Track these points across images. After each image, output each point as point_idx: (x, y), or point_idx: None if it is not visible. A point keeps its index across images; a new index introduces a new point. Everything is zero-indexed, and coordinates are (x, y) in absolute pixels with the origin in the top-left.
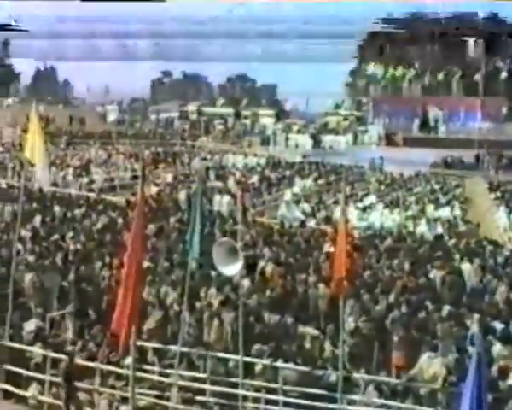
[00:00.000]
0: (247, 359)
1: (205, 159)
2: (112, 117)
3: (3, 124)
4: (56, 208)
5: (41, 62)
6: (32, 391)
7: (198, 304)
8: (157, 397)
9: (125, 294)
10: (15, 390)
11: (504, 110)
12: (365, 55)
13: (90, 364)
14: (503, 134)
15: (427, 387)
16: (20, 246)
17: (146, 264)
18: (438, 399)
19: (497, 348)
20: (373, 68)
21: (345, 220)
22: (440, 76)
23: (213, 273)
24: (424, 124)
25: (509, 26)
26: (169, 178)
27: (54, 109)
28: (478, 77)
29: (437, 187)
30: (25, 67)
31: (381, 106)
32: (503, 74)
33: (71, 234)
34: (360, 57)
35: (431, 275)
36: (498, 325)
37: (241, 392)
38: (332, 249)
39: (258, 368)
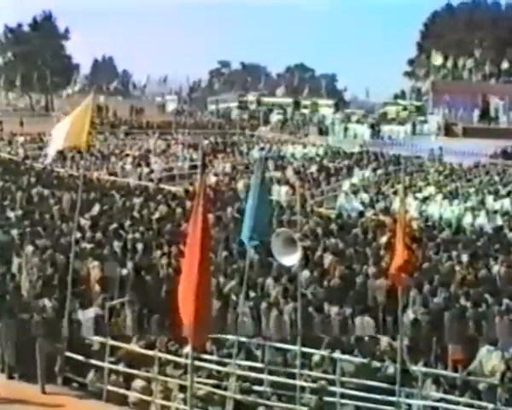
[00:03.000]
0: (305, 349)
1: (263, 149)
2: (171, 107)
3: (62, 114)
4: (115, 198)
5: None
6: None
7: (255, 294)
8: (215, 386)
9: (194, 285)
10: (75, 377)
11: None
12: (425, 43)
13: (149, 352)
14: None
15: (485, 381)
16: (78, 235)
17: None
18: (497, 394)
19: None
20: (433, 57)
21: (404, 211)
22: (502, 65)
23: (273, 263)
24: (484, 114)
25: None
26: (227, 167)
27: (113, 100)
28: None
29: (497, 178)
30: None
31: (441, 96)
32: None
33: (129, 223)
34: (420, 46)
35: (491, 268)
36: None
37: (298, 383)
38: (390, 240)
39: (316, 359)
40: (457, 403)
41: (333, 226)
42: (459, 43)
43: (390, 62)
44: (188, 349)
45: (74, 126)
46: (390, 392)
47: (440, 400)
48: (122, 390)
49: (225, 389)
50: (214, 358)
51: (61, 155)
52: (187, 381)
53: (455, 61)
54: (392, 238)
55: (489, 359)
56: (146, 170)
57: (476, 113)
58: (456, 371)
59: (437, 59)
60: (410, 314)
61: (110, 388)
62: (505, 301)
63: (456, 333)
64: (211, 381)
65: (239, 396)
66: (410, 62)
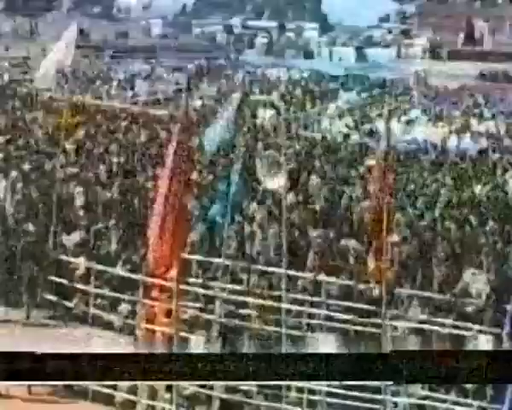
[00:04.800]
0: (291, 272)
1: (248, 72)
2: (156, 31)
3: (48, 38)
4: (100, 122)
5: None
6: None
7: (241, 218)
8: (200, 310)
9: (170, 207)
10: (61, 301)
11: None
12: None
13: (134, 276)
14: None
15: (470, 303)
16: (63, 159)
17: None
18: (483, 315)
19: None
20: None
21: (387, 134)
22: None
23: (257, 187)
24: (469, 37)
25: None
26: (213, 91)
27: (98, 23)
28: None
29: (481, 101)
30: None
31: (426, 19)
32: None
33: (114, 147)
34: None
35: (475, 190)
36: None
37: (284, 306)
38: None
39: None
40: (442, 325)
41: (318, 149)
42: None
43: None
44: (173, 273)
45: (60, 51)
46: (375, 314)
47: (425, 322)
48: (108, 390)
49: (211, 312)
50: (199, 281)
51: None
52: (172, 305)
53: None
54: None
55: (474, 281)
56: (131, 93)
57: (461, 36)
58: (442, 293)
59: None
60: (394, 237)
61: (95, 311)
62: (490, 223)
63: (442, 255)
64: (196, 304)
65: (224, 320)
66: None
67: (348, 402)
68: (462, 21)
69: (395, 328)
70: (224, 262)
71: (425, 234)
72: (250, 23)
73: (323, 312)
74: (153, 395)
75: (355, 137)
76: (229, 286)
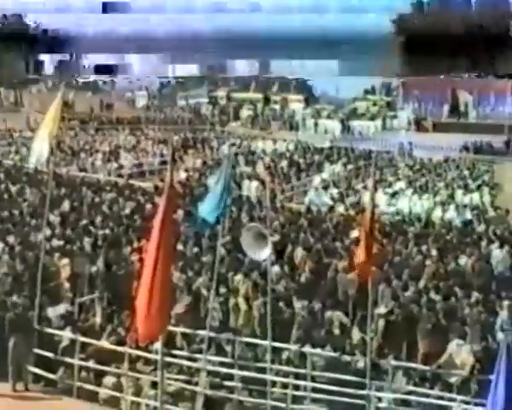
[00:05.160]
0: (276, 344)
1: (234, 144)
2: (141, 103)
3: (32, 110)
4: (85, 194)
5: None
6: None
7: (226, 289)
8: (185, 382)
9: (155, 280)
10: (44, 374)
11: None
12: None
13: (119, 348)
14: None
15: (454, 374)
16: (48, 231)
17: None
18: (467, 386)
19: None
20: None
21: (372, 205)
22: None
23: (243, 258)
24: (454, 109)
25: None
26: (198, 163)
27: (83, 95)
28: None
29: (466, 172)
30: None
31: (411, 91)
32: None
33: (99, 219)
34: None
35: (460, 261)
36: None
37: (269, 377)
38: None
39: (286, 354)
40: (427, 396)
41: (303, 221)
42: (429, 39)
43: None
44: (158, 345)
45: (47, 127)
46: (361, 385)
47: (411, 392)
48: (92, 387)
49: (196, 384)
50: (185, 353)
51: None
52: (157, 377)
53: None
54: (361, 233)
55: (459, 352)
56: (116, 165)
57: (446, 108)
58: (426, 364)
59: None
60: (380, 308)
61: (80, 384)
62: (474, 294)
63: (427, 326)
64: (181, 377)
65: (209, 392)
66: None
67: (333, 398)
68: (447, 94)
69: (380, 399)
70: (209, 334)
71: (410, 305)
72: (235, 95)
73: (309, 383)
74: (137, 391)
75: (340, 209)
76: (214, 358)
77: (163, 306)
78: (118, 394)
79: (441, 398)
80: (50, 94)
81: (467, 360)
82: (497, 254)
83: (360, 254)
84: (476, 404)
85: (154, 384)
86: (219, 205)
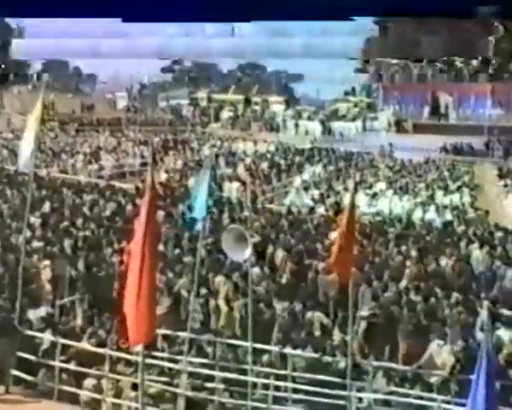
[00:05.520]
0: (257, 345)
1: (214, 146)
2: (121, 104)
3: (13, 111)
4: (66, 195)
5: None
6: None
7: (207, 291)
8: (166, 384)
9: (142, 282)
10: (25, 376)
11: None
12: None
13: (100, 350)
14: None
15: (435, 374)
16: (29, 233)
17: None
18: (447, 386)
19: (506, 334)
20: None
21: (353, 206)
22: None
23: (224, 259)
24: (434, 110)
25: None
26: (179, 164)
27: (64, 97)
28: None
29: (446, 174)
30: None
31: (391, 92)
32: None
33: (80, 221)
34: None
35: (440, 262)
36: (507, 312)
37: (250, 378)
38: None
39: (266, 356)
40: (408, 396)
41: (284, 222)
42: (409, 40)
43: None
44: (138, 347)
45: (33, 129)
46: (341, 386)
47: (391, 393)
48: (73, 389)
49: (177, 386)
50: (165, 355)
51: (12, 152)
52: (138, 379)
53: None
54: (341, 234)
55: (439, 353)
56: (96, 167)
57: (426, 109)
58: (407, 365)
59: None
60: (363, 311)
61: (61, 387)
62: (454, 294)
63: (407, 327)
64: (162, 378)
65: (190, 393)
66: (361, 59)
67: (314, 398)
68: (428, 95)
69: (360, 400)
70: (190, 335)
71: (390, 306)
72: (216, 96)
73: (289, 384)
74: (118, 393)
75: (321, 210)
76: (195, 360)
77: (151, 307)
78: (98, 396)
79: (421, 398)
80: (31, 95)
81: (447, 361)
82: (477, 254)
83: (338, 255)
84: (456, 404)
85: (134, 386)
86: (204, 205)
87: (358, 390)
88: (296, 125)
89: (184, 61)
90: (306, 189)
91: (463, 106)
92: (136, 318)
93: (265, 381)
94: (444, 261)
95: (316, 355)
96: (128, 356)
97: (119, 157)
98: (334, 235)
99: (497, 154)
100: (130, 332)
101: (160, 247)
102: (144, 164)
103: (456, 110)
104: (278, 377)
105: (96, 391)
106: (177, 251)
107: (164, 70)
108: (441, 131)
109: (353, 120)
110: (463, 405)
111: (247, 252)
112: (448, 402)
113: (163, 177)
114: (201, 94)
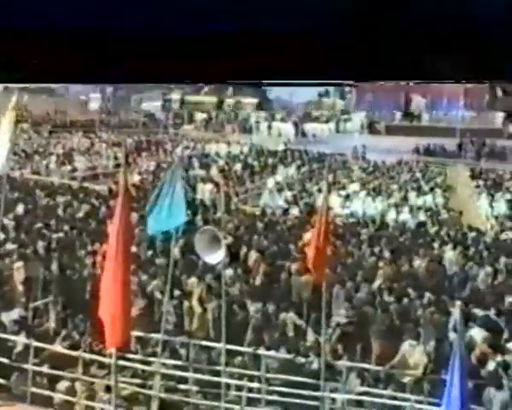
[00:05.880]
0: (230, 347)
1: (188, 147)
2: (95, 106)
3: None
4: (39, 197)
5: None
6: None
7: (180, 292)
8: (139, 386)
9: (114, 283)
10: None
11: (487, 98)
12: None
13: (73, 352)
14: (485, 122)
15: (408, 375)
16: (2, 235)
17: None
18: (420, 386)
19: (478, 334)
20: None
21: (326, 208)
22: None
23: (197, 261)
24: (407, 112)
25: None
26: (152, 166)
27: (37, 98)
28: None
29: (419, 175)
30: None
31: (364, 94)
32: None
33: (53, 222)
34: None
35: (414, 263)
36: (479, 312)
37: (223, 380)
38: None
39: (240, 357)
40: (381, 396)
41: (257, 224)
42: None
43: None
44: (112, 349)
45: (8, 132)
46: (315, 387)
47: (364, 393)
48: (46, 392)
49: (150, 388)
50: (139, 357)
51: None
52: (111, 381)
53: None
54: (314, 235)
55: (412, 353)
56: (69, 168)
57: (399, 111)
58: (380, 365)
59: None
60: (339, 318)
61: (34, 390)
62: (427, 295)
63: (380, 327)
64: (135, 380)
65: (164, 395)
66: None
67: (287, 399)
68: (400, 97)
69: (334, 400)
70: (163, 337)
71: (363, 307)
72: (189, 98)
73: (263, 386)
74: (91, 396)
75: (294, 211)
76: (169, 361)
77: (126, 310)
78: (72, 398)
79: (395, 398)
80: (4, 97)
81: (420, 361)
82: (451, 255)
83: (312, 256)
84: (429, 404)
85: (107, 388)
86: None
87: (332, 391)
88: (269, 127)
89: None
90: (280, 190)
91: (436, 108)
92: (111, 321)
93: (239, 382)
94: (417, 262)
95: (289, 356)
96: (101, 358)
97: (93, 159)
98: (307, 236)
99: (470, 155)
100: (106, 336)
101: (134, 248)
102: (117, 165)
103: (428, 112)
104: (251, 379)
105: (69, 394)
106: (150, 253)
107: None
108: (414, 133)
109: (326, 121)
110: (436, 404)
111: (221, 253)
112: (421, 402)
113: (136, 178)
114: (175, 96)
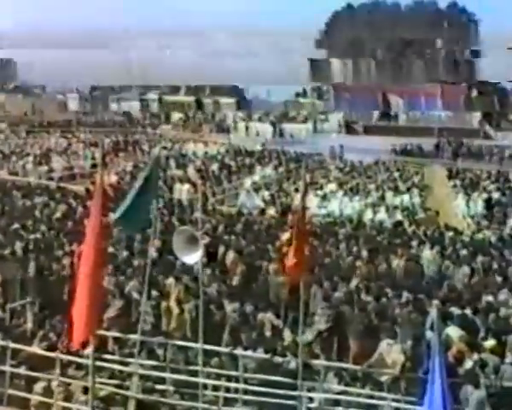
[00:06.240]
0: (207, 347)
1: (165, 147)
2: (72, 105)
3: None
4: (16, 197)
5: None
6: None
7: (158, 293)
8: (117, 386)
9: (88, 283)
10: None
11: (464, 99)
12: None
13: (50, 354)
14: (462, 122)
15: (385, 373)
16: None
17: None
18: (397, 385)
19: (455, 332)
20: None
21: (303, 208)
22: (401, 64)
23: (175, 261)
24: (385, 112)
25: (468, 14)
26: (129, 166)
27: (14, 98)
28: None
29: (396, 175)
30: None
31: (342, 94)
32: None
33: (31, 223)
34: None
35: (391, 262)
36: (456, 311)
37: (201, 380)
38: (291, 237)
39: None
40: (359, 395)
41: (234, 224)
42: (360, 43)
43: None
44: (89, 350)
45: None
46: (292, 386)
47: (342, 392)
48: (23, 394)
49: (127, 388)
50: (116, 358)
51: None
52: (88, 382)
53: (356, 61)
54: (292, 235)
55: (389, 352)
56: (46, 169)
57: (376, 111)
58: (357, 364)
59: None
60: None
61: (11, 391)
62: (405, 294)
63: (358, 327)
64: (113, 381)
65: (141, 396)
66: (312, 61)
67: (265, 399)
68: (378, 97)
69: (311, 399)
70: (141, 338)
71: (341, 306)
72: (166, 98)
73: (240, 385)
74: (69, 397)
75: (271, 211)
76: (146, 362)
77: (93, 309)
78: (48, 400)
79: (372, 397)
80: None
81: (397, 359)
82: (428, 254)
83: (291, 257)
84: (406, 402)
85: (85, 389)
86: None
87: (309, 390)
88: (247, 127)
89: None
90: (257, 190)
91: (413, 108)
92: (78, 318)
93: (216, 382)
94: (394, 261)
95: (266, 356)
96: (79, 360)
97: (70, 159)
98: (285, 236)
99: (447, 155)
100: (73, 333)
101: (111, 249)
102: (95, 166)
103: (406, 112)
104: (229, 379)
105: (46, 395)
106: (128, 253)
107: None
108: (391, 133)
109: (304, 121)
110: (413, 403)
111: (198, 254)
112: (398, 401)
113: (113, 178)
114: (152, 95)
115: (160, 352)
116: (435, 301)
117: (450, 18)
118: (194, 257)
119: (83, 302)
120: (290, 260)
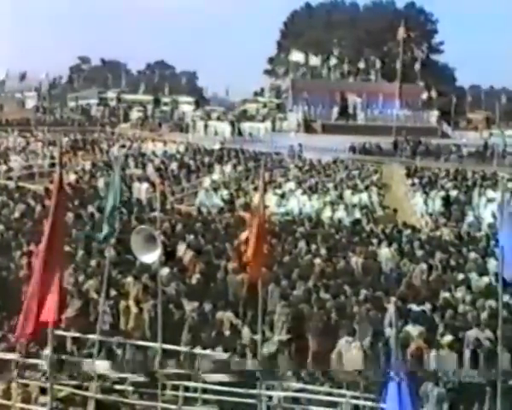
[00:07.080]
0: (166, 346)
1: (124, 146)
2: (30, 104)
3: None
4: None
5: None
6: None
7: (116, 292)
8: (76, 387)
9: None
10: None
11: (422, 98)
12: (284, 42)
13: (8, 356)
14: (420, 121)
15: (344, 372)
16: None
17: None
18: (356, 382)
19: (414, 329)
20: (292, 55)
21: (262, 206)
22: (360, 63)
23: (133, 260)
24: (343, 111)
25: (426, 14)
26: (88, 165)
27: None
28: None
29: (355, 173)
30: None
31: (300, 93)
32: (420, 62)
33: None
34: (279, 44)
35: (349, 260)
36: (415, 308)
37: (160, 380)
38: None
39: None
40: (318, 393)
41: (193, 223)
42: (318, 42)
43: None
44: (47, 351)
45: None
46: (251, 385)
47: (301, 390)
48: None
49: (86, 389)
50: (75, 358)
51: None
52: (47, 383)
53: (314, 60)
54: (251, 233)
55: (348, 349)
56: (5, 168)
57: (335, 110)
58: (318, 362)
59: (296, 57)
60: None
61: None
62: (363, 291)
63: (316, 324)
64: (72, 382)
65: (100, 396)
66: (270, 60)
67: (224, 398)
68: (336, 96)
69: (270, 398)
70: (100, 338)
71: (300, 304)
72: (125, 96)
73: (199, 385)
74: (27, 398)
75: (230, 210)
76: (105, 362)
77: (40, 304)
78: (7, 402)
79: (331, 394)
80: None
81: (356, 357)
82: (386, 252)
83: (250, 255)
84: (365, 399)
85: (43, 391)
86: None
87: (268, 388)
88: (205, 126)
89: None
90: (216, 189)
91: (372, 107)
92: (25, 312)
93: (175, 382)
94: (353, 259)
95: (226, 355)
96: (37, 361)
97: (28, 158)
98: (243, 235)
99: (405, 153)
100: (18, 326)
101: (69, 248)
102: (53, 165)
103: (364, 111)
104: (188, 378)
105: (4, 397)
106: (86, 252)
107: (73, 69)
108: (350, 132)
109: (262, 120)
110: (373, 400)
111: (157, 253)
112: (357, 398)
113: (72, 177)
114: (111, 94)
115: (118, 352)
116: (393, 299)
117: (409, 18)
118: (152, 256)
119: (34, 297)
120: (248, 259)
